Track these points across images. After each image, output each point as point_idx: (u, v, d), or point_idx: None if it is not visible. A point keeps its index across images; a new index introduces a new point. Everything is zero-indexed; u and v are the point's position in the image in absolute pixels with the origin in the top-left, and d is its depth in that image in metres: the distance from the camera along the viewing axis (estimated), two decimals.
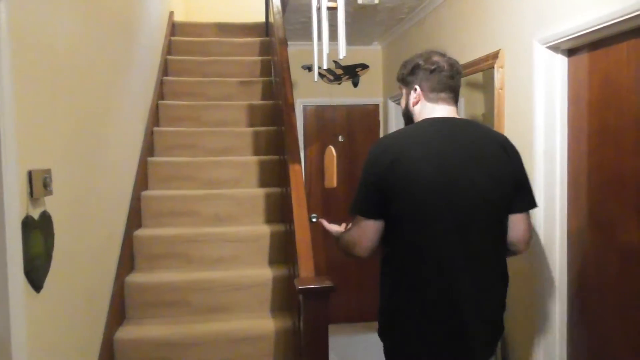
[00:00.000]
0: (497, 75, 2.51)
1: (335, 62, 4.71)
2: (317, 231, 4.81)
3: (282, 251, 2.83)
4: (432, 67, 1.78)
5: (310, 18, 3.55)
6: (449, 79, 1.79)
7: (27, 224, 1.55)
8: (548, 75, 2.16)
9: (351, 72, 4.74)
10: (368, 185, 1.70)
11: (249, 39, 4.44)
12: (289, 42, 4.15)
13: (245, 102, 3.72)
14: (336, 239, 1.88)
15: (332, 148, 2.48)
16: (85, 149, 2.13)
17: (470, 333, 1.65)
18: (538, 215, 2.22)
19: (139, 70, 3.25)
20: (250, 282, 2.64)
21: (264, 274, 2.69)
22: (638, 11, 1.62)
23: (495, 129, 2.55)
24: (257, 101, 3.81)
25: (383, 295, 1.76)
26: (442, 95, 1.79)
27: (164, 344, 2.38)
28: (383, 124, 4.77)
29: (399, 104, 4.42)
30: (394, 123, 4.54)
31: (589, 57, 2.03)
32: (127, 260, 2.69)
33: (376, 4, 3.13)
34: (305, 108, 4.75)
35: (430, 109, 1.79)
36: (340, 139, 4.80)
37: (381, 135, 4.76)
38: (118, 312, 2.48)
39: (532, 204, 1.80)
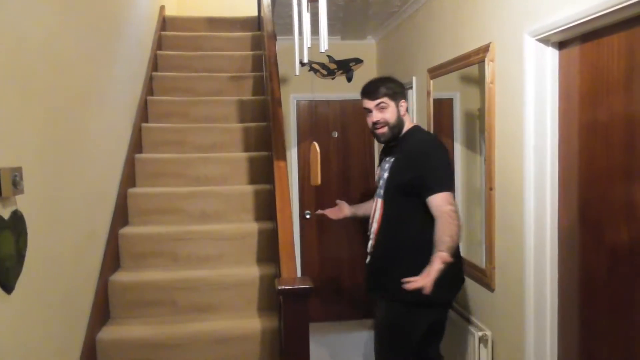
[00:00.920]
0: (488, 69, 2.45)
1: (329, 56, 4.63)
2: (311, 228, 4.79)
3: (270, 249, 2.78)
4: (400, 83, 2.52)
5: (313, 12, 3.50)
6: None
7: None
8: (538, 68, 2.10)
9: (345, 67, 4.66)
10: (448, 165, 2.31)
11: (241, 34, 4.38)
12: (281, 37, 4.09)
13: (236, 98, 3.67)
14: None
15: (316, 144, 2.42)
16: (63, 146, 2.08)
17: None
18: (528, 212, 2.17)
19: (126, 66, 3.19)
20: (236, 281, 2.60)
21: (251, 272, 2.64)
22: (628, 1, 1.57)
23: (486, 125, 2.49)
24: (247, 97, 3.75)
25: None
26: None
27: (147, 344, 2.33)
28: None
29: None
30: None
31: (580, 50, 1.97)
32: (112, 258, 2.64)
33: None
34: (298, 103, 4.69)
35: (409, 118, 2.45)
36: (335, 134, 4.74)
37: None
38: (101, 312, 2.44)
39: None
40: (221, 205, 3.00)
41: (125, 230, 2.78)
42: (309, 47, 1.95)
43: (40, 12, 1.89)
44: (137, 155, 3.17)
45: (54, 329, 1.95)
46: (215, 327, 2.43)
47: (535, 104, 2.11)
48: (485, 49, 2.46)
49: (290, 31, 4.15)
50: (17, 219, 1.64)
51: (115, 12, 2.99)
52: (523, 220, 2.20)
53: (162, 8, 4.49)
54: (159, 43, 4.17)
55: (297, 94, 4.63)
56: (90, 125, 2.45)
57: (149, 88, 3.72)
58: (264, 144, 3.37)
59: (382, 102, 2.36)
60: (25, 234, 1.69)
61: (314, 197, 4.68)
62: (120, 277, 2.59)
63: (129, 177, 3.05)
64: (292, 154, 4.64)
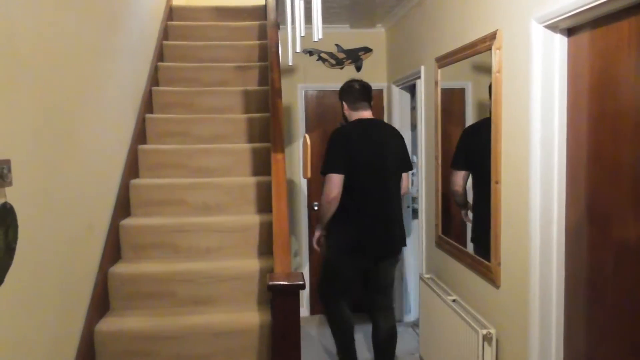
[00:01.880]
0: (495, 57, 2.36)
1: (337, 45, 4.57)
2: (313, 220, 4.73)
3: (272, 242, 2.73)
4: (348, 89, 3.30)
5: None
6: (360, 94, 3.26)
7: None
8: (546, 56, 2.01)
9: (354, 56, 4.59)
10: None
11: (248, 23, 4.32)
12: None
13: (241, 88, 3.62)
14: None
15: (307, 137, 2.36)
16: (59, 138, 2.05)
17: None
18: (534, 207, 2.09)
19: (129, 56, 3.16)
20: (236, 273, 2.56)
21: (251, 265, 2.61)
22: None
23: (493, 116, 2.41)
24: (252, 87, 3.70)
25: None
26: (358, 105, 3.26)
27: (145, 336, 2.31)
28: (387, 109, 4.63)
29: (403, 88, 4.29)
30: (398, 108, 4.41)
31: (590, 37, 1.88)
32: (113, 250, 2.63)
33: None
34: (306, 93, 4.64)
35: (355, 114, 3.27)
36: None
37: (385, 120, 4.62)
38: (100, 304, 2.42)
39: (410, 166, 3.35)
40: (223, 197, 2.97)
41: (127, 222, 2.76)
42: (302, 36, 1.87)
43: (33, 1, 1.86)
44: (140, 147, 3.15)
45: (49, 321, 1.94)
46: (214, 320, 2.40)
47: (542, 93, 2.03)
48: (492, 36, 2.37)
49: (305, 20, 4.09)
50: (7, 211, 1.62)
51: (116, 3, 2.95)
52: (529, 215, 2.13)
53: None
54: (166, 33, 4.13)
55: (304, 84, 4.57)
56: (90, 116, 2.42)
57: (154, 79, 3.69)
58: (268, 135, 3.32)
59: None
60: (16, 226, 1.67)
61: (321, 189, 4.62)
62: (120, 268, 2.57)
63: (132, 168, 3.03)
64: (300, 145, 4.59)
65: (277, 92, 2.70)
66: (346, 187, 3.02)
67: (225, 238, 2.75)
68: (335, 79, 4.54)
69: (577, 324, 2.04)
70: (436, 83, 3.19)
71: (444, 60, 3.04)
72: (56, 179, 2.03)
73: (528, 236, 2.15)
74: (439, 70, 3.13)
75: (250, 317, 2.40)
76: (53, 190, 1.99)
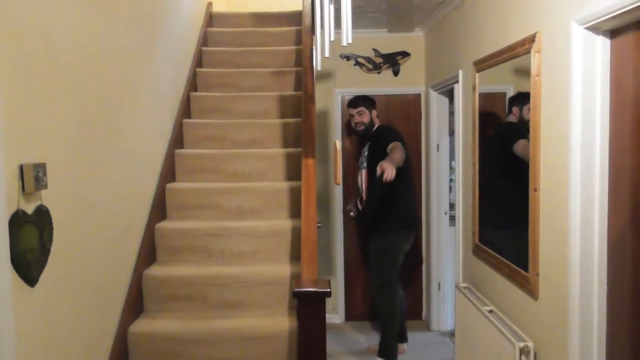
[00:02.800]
0: (534, 61, 2.28)
1: (374, 50, 4.54)
2: (355, 225, 4.70)
3: None
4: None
5: (354, 6, 3.42)
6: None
7: (17, 219, 1.53)
8: (587, 60, 1.92)
9: (391, 61, 4.55)
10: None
11: (285, 28, 4.35)
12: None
13: (277, 93, 3.64)
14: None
15: (337, 142, 2.34)
16: (96, 142, 2.11)
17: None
18: (574, 215, 2.00)
19: (168, 62, 3.23)
20: (268, 278, 2.57)
21: (283, 270, 2.60)
22: None
23: (531, 121, 2.33)
24: (288, 92, 3.71)
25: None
26: None
27: (176, 338, 2.34)
28: (425, 114, 4.56)
29: (441, 93, 4.21)
30: (436, 113, 4.33)
31: (635, 39, 1.79)
32: (148, 252, 2.68)
33: None
34: (343, 98, 4.61)
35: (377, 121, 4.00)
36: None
37: (423, 125, 4.56)
38: (135, 305, 2.47)
39: None
40: (257, 201, 2.98)
41: (162, 225, 2.81)
42: (331, 41, 1.86)
43: (71, 8, 1.92)
44: (177, 151, 3.21)
45: (83, 321, 1.98)
46: (244, 324, 2.41)
47: (583, 98, 1.94)
48: (531, 39, 2.29)
49: (337, 25, 4.09)
50: (42, 213, 1.67)
51: (155, 9, 3.02)
52: (568, 224, 2.04)
53: (210, 5, 4.54)
54: (205, 39, 4.21)
55: (341, 89, 4.55)
56: (128, 121, 2.48)
57: (193, 84, 3.76)
58: None
59: (361, 110, 3.91)
60: (51, 228, 1.72)
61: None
62: (155, 271, 2.62)
63: (169, 172, 3.09)
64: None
65: (310, 97, 2.70)
66: (406, 178, 3.74)
67: (257, 243, 2.76)
68: (372, 84, 4.52)
69: (621, 339, 1.94)
70: (474, 87, 3.11)
71: (482, 64, 2.96)
72: (93, 182, 2.08)
73: (567, 246, 2.05)
74: (477, 75, 3.06)
75: (280, 322, 2.40)
76: (90, 193, 2.05)
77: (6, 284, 1.47)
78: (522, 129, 2.47)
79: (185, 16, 3.76)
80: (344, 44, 1.81)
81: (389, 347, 3.76)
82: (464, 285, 3.33)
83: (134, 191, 2.59)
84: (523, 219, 2.43)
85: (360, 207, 3.94)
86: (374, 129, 3.93)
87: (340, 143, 3.79)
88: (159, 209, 2.89)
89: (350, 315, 4.70)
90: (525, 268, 2.43)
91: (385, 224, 3.76)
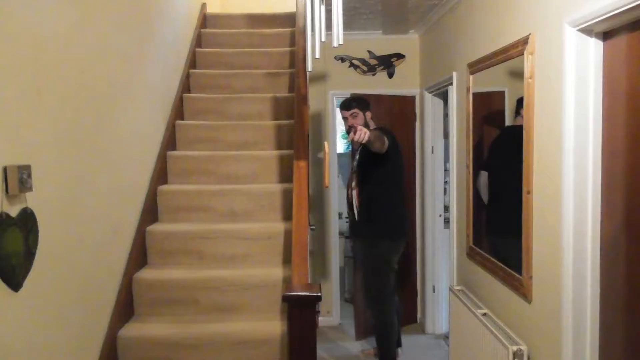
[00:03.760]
0: (527, 63, 2.27)
1: (369, 52, 4.53)
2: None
3: None
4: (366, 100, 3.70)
5: (348, 7, 3.40)
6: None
7: (0, 222, 1.51)
8: (579, 62, 1.91)
9: (386, 63, 4.54)
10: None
11: (279, 30, 4.33)
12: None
13: (270, 95, 3.61)
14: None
15: (326, 144, 2.32)
16: (84, 144, 2.08)
17: None
18: (567, 218, 1.99)
19: (161, 63, 3.20)
20: (260, 281, 2.54)
21: (275, 273, 2.58)
22: None
23: (525, 123, 2.32)
24: (282, 93, 3.69)
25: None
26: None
27: (167, 343, 2.31)
28: (420, 116, 4.54)
29: (436, 95, 4.20)
30: (430, 115, 4.32)
31: (627, 40, 1.78)
32: (138, 255, 2.65)
33: None
34: (337, 100, 4.59)
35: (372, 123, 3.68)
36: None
37: (417, 127, 4.54)
38: (125, 309, 2.44)
39: None
40: (250, 203, 2.96)
41: (153, 227, 2.78)
42: (323, 42, 1.84)
43: (60, 8, 1.89)
44: (170, 153, 3.18)
45: (70, 326, 1.96)
46: (236, 328, 2.38)
47: (576, 100, 1.93)
48: (525, 41, 2.28)
49: (328, 26, 4.07)
50: (27, 216, 1.64)
51: (147, 11, 2.99)
52: (561, 227, 2.02)
53: (204, 6, 4.51)
54: (199, 40, 4.18)
55: (335, 91, 4.54)
56: (118, 122, 2.46)
57: (186, 85, 3.73)
58: None
59: (354, 112, 3.57)
60: (36, 231, 1.69)
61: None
62: (146, 274, 2.59)
63: (161, 174, 3.06)
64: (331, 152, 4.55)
65: (303, 99, 2.68)
66: (396, 181, 3.63)
67: (250, 245, 2.73)
68: (366, 86, 4.50)
69: (613, 342, 1.92)
70: (468, 89, 3.10)
71: (476, 66, 2.95)
72: (81, 184, 2.05)
73: (560, 249, 2.04)
74: (471, 77, 3.05)
75: (272, 326, 2.37)
76: (78, 195, 2.02)
77: None
78: None
79: (179, 17, 3.73)
80: (335, 44, 1.79)
81: (387, 356, 3.67)
82: (458, 288, 3.31)
83: (125, 193, 2.56)
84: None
85: (356, 205, 3.70)
86: None
87: (329, 145, 3.66)
88: (151, 211, 2.86)
89: (345, 319, 4.68)
90: (519, 271, 2.42)
91: (375, 232, 3.60)
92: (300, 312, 1.60)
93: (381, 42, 4.52)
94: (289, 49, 4.10)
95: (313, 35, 1.97)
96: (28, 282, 1.65)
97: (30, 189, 1.62)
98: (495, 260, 2.77)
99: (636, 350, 1.80)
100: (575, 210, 1.97)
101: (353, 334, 4.38)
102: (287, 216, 2.94)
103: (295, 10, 4.45)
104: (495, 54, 2.65)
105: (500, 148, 2.90)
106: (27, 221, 1.65)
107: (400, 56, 4.53)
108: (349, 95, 4.59)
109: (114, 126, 2.41)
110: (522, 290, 2.38)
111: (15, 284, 1.58)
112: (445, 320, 4.36)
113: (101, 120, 2.27)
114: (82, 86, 2.07)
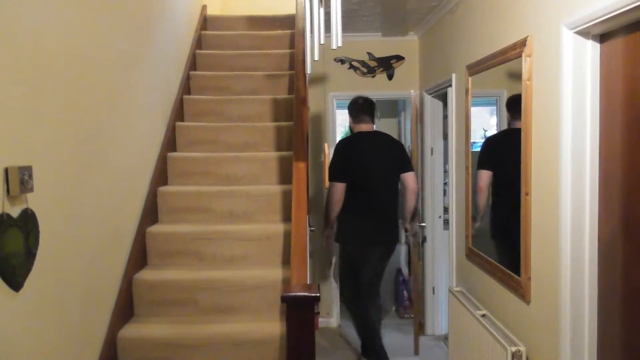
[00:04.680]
0: (525, 65, 2.28)
1: (369, 53, 4.54)
2: None
3: None
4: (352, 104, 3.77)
5: (348, 9, 3.41)
6: (362, 109, 3.73)
7: (1, 222, 1.52)
8: (577, 64, 1.92)
9: (386, 64, 4.55)
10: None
11: (279, 32, 4.35)
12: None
13: (270, 97, 3.63)
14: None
15: (325, 146, 2.33)
16: (84, 145, 2.09)
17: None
18: (564, 220, 2.00)
19: (161, 65, 3.22)
20: (259, 282, 2.55)
21: (275, 274, 2.59)
22: None
23: (523, 125, 2.32)
24: (282, 95, 3.71)
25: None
26: (360, 119, 3.73)
27: (166, 343, 2.33)
28: (419, 118, 4.54)
29: (435, 97, 4.21)
30: (430, 116, 4.33)
31: (624, 43, 1.79)
32: (138, 256, 2.66)
33: None
34: (337, 102, 4.61)
35: (357, 127, 3.75)
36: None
37: (417, 129, 4.54)
38: (124, 310, 2.45)
39: (410, 169, 3.70)
40: (250, 205, 2.97)
41: (153, 229, 2.80)
42: (322, 44, 1.85)
43: (59, 9, 1.90)
44: (170, 154, 3.20)
45: (71, 326, 1.97)
46: (235, 329, 2.39)
47: (573, 102, 1.94)
48: (522, 43, 2.29)
49: (328, 28, 4.09)
50: (28, 217, 1.65)
51: (148, 12, 3.01)
52: (559, 228, 2.03)
53: (204, 8, 4.53)
54: (199, 42, 4.20)
55: (335, 92, 4.55)
56: (119, 124, 2.47)
57: (186, 87, 3.75)
58: None
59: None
60: (37, 232, 1.70)
61: None
62: (145, 275, 2.60)
63: (161, 176, 3.07)
64: (331, 153, 4.56)
65: (302, 101, 2.69)
66: (349, 189, 3.58)
67: (249, 246, 2.75)
68: (366, 87, 4.51)
69: (611, 343, 1.93)
70: (467, 91, 3.11)
71: (475, 68, 2.96)
72: (82, 185, 2.07)
73: (558, 250, 2.05)
74: (470, 78, 3.06)
75: (271, 327, 2.38)
76: (79, 196, 2.03)
77: None
78: None
79: (180, 19, 3.75)
80: (334, 46, 1.80)
81: (367, 346, 3.79)
82: (458, 289, 3.32)
83: (125, 194, 2.58)
84: None
85: None
86: None
87: (329, 147, 3.70)
88: (151, 213, 2.87)
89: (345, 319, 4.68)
90: (517, 272, 2.42)
91: (338, 236, 3.77)
92: (298, 312, 1.60)
93: (381, 44, 4.53)
94: (288, 50, 4.11)
95: (312, 38, 1.97)
96: (28, 283, 1.66)
97: (31, 189, 1.64)
98: (494, 262, 2.78)
99: (634, 351, 1.81)
100: (573, 211, 1.97)
101: (352, 336, 4.38)
102: (287, 217, 2.95)
103: (294, 12, 4.49)
104: (493, 55, 2.66)
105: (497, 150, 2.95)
106: (28, 222, 1.66)
107: (399, 58, 4.54)
108: (349, 97, 4.65)
109: (115, 127, 2.43)
110: (521, 291, 2.39)
111: (15, 285, 1.59)
112: (445, 321, 4.36)
113: (102, 122, 2.28)
114: (83, 87, 2.09)
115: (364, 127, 3.71)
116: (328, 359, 4.02)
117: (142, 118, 2.84)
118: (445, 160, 4.21)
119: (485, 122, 3.20)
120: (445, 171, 4.28)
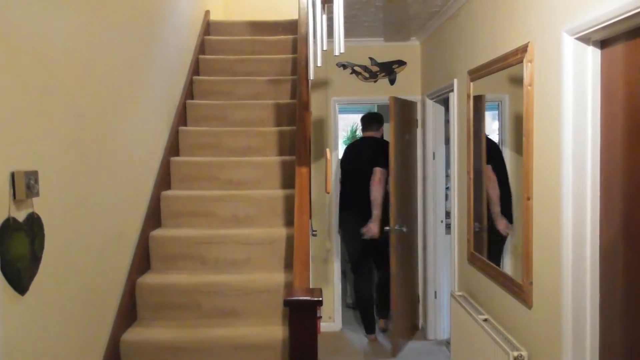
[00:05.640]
0: (526, 70, 2.29)
1: (371, 58, 4.56)
2: None
3: None
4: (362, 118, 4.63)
5: (350, 15, 3.44)
6: (368, 121, 4.57)
7: (7, 226, 1.53)
8: (577, 70, 1.94)
9: (388, 69, 4.57)
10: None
11: (282, 37, 4.37)
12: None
13: (273, 101, 3.65)
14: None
15: (328, 151, 2.34)
16: (89, 149, 2.11)
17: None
18: (566, 224, 2.01)
19: (164, 70, 3.24)
20: (262, 286, 2.56)
21: (277, 278, 2.60)
22: None
23: (524, 130, 2.34)
24: (284, 100, 3.72)
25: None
26: (366, 128, 4.57)
27: (169, 347, 2.34)
28: (421, 122, 4.57)
29: (437, 101, 4.23)
30: (432, 121, 4.35)
31: (624, 49, 1.80)
32: (141, 260, 2.67)
33: None
34: (339, 106, 4.63)
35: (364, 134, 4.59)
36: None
37: (419, 133, 4.57)
38: (128, 313, 2.46)
39: (379, 164, 4.23)
40: (252, 209, 2.98)
41: (157, 233, 2.81)
42: (324, 50, 1.87)
43: (65, 18, 1.93)
44: (173, 158, 3.21)
45: (75, 330, 1.98)
46: (238, 333, 2.40)
47: (574, 107, 1.95)
48: (524, 49, 2.31)
49: (330, 34, 4.11)
50: (33, 221, 1.67)
51: (152, 18, 3.03)
52: (560, 233, 2.04)
53: (207, 13, 4.56)
54: (202, 47, 4.22)
55: (338, 97, 4.57)
56: (123, 128, 2.49)
57: (189, 92, 3.76)
58: None
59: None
60: (42, 236, 1.72)
61: None
62: (149, 279, 2.62)
63: (164, 180, 3.09)
64: (333, 158, 4.57)
65: (305, 105, 2.71)
66: (343, 183, 4.51)
67: (252, 250, 2.76)
68: (368, 92, 4.54)
69: (613, 348, 1.94)
70: (468, 96, 3.13)
71: (477, 73, 2.97)
72: (86, 189, 2.08)
73: (560, 255, 2.06)
74: (472, 83, 3.07)
75: (273, 331, 2.39)
76: (83, 200, 2.05)
77: None
78: None
79: (183, 24, 3.77)
80: (337, 53, 1.82)
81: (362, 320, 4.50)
82: (460, 293, 3.32)
83: (128, 199, 2.59)
84: None
85: None
86: None
87: (331, 152, 3.80)
88: (154, 217, 2.89)
89: (345, 323, 4.68)
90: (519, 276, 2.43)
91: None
92: (301, 316, 1.61)
93: (383, 49, 4.55)
94: (291, 56, 4.13)
95: (315, 43, 1.99)
96: (34, 286, 1.67)
97: (37, 194, 1.65)
98: (496, 266, 2.78)
99: (636, 356, 1.81)
100: (574, 216, 1.99)
101: (355, 340, 4.39)
102: (290, 222, 2.97)
103: (297, 17, 4.51)
104: (495, 61, 2.68)
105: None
106: (34, 226, 1.68)
107: (401, 63, 4.56)
108: (351, 102, 4.74)
109: (119, 132, 2.44)
110: (523, 296, 2.40)
111: (21, 288, 1.61)
112: (447, 326, 4.36)
113: (106, 126, 2.30)
114: (87, 92, 2.11)
115: (368, 134, 4.52)
116: None
117: (145, 123, 2.86)
118: (447, 165, 4.23)
119: (487, 127, 3.21)
120: (447, 176, 4.29)
